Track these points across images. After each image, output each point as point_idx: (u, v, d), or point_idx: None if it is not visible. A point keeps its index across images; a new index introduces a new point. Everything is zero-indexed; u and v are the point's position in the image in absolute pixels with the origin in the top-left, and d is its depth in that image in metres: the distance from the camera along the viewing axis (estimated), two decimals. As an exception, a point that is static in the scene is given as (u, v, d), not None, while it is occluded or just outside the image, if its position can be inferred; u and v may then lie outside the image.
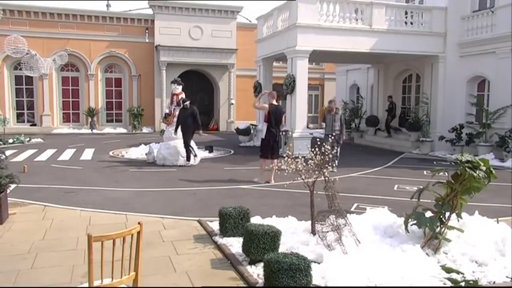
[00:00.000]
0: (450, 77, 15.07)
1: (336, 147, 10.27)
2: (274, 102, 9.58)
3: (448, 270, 4.44)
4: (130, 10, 25.29)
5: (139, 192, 8.36)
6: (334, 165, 9.15)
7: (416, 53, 14.99)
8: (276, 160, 9.19)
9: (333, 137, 9.05)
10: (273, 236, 4.53)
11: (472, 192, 4.83)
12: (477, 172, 4.68)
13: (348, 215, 5.18)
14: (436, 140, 14.86)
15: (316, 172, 5.26)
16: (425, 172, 10.82)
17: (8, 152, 12.09)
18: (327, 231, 4.83)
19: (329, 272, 4.10)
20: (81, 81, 23.28)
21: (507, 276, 4.30)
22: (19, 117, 22.70)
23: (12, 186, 6.92)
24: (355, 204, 7.39)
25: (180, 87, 12.00)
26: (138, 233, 3.09)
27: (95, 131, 22.54)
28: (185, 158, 11.70)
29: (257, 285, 4.08)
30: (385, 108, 18.30)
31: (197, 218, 6.36)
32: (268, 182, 9.26)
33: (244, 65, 24.08)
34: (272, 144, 9.48)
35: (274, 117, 9.36)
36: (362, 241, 4.88)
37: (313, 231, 5.11)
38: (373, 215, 5.91)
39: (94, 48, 22.84)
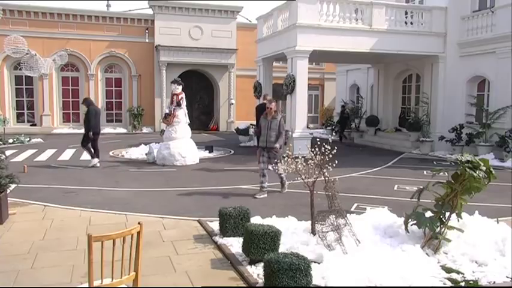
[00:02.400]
0: (450, 77, 15.07)
1: (266, 167, 8.08)
2: (264, 101, 11.19)
3: (448, 270, 4.44)
4: (130, 10, 25.30)
5: (139, 192, 8.36)
6: (263, 189, 8.10)
7: (416, 53, 14.99)
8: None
9: (266, 152, 7.99)
10: (273, 236, 4.53)
11: (472, 192, 4.84)
12: (477, 172, 4.68)
13: (348, 215, 5.18)
14: (436, 140, 14.86)
15: (316, 172, 5.26)
16: (425, 172, 10.82)
17: (8, 152, 12.08)
18: (327, 231, 4.83)
19: (329, 272, 4.10)
20: (81, 81, 23.28)
21: (507, 276, 4.30)
22: (19, 117, 22.69)
23: (12, 186, 6.92)
24: (355, 204, 7.39)
25: (180, 87, 12.00)
26: (138, 233, 3.09)
27: (94, 131, 22.50)
28: (184, 158, 11.74)
29: (257, 285, 4.08)
30: (338, 117, 18.54)
31: (197, 218, 6.36)
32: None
33: (244, 65, 24.08)
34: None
35: (258, 115, 11.19)
36: (362, 241, 4.88)
37: (313, 231, 5.11)
38: (373, 215, 5.92)
39: (94, 48, 22.84)
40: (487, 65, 13.97)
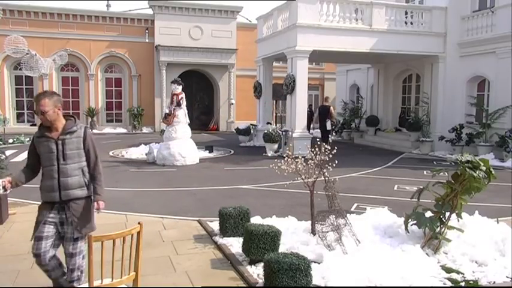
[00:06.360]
0: (450, 77, 15.07)
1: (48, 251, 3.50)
2: (325, 104, 14.97)
3: (448, 270, 4.44)
4: (130, 10, 25.30)
5: (139, 192, 8.36)
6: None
7: (416, 53, 14.99)
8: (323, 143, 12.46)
9: (58, 213, 3.74)
10: (273, 236, 4.53)
11: (472, 192, 4.83)
12: (477, 172, 4.68)
13: (348, 215, 5.18)
14: (436, 140, 14.85)
15: (316, 172, 5.26)
16: (425, 172, 10.81)
17: (8, 152, 12.08)
18: (327, 231, 4.82)
19: (329, 272, 4.10)
20: (81, 81, 23.29)
21: (507, 276, 4.30)
22: (19, 117, 22.70)
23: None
24: (355, 204, 7.39)
25: (180, 87, 12.00)
26: (138, 233, 3.09)
27: (94, 131, 22.50)
28: (184, 159, 11.73)
29: (257, 285, 4.08)
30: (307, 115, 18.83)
31: (197, 218, 6.36)
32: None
33: (244, 65, 24.08)
34: (322, 132, 14.60)
35: (320, 114, 14.75)
36: (362, 241, 4.88)
37: (313, 231, 5.11)
38: (373, 215, 5.92)
39: (94, 48, 22.84)
40: (487, 65, 13.97)
